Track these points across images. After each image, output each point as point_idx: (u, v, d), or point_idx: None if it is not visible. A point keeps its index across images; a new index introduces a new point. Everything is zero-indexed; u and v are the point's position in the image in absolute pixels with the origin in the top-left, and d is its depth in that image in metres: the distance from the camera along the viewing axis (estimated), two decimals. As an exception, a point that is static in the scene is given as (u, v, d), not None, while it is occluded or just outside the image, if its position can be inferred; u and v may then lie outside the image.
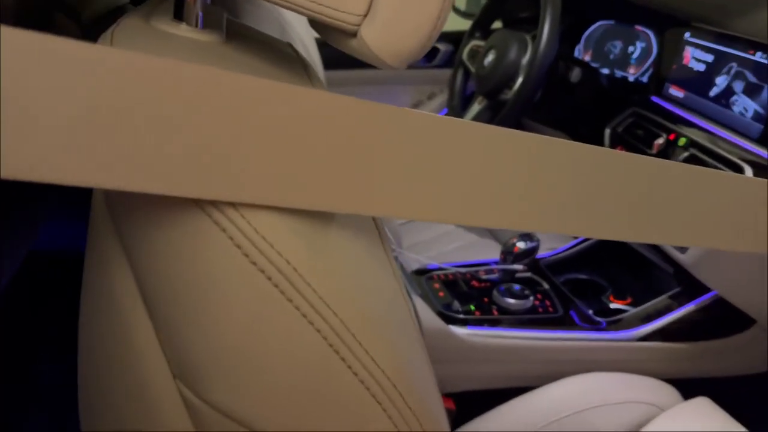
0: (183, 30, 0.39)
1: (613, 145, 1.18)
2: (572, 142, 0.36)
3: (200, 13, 0.39)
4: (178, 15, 0.40)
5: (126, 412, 0.36)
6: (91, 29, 0.66)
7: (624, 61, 1.26)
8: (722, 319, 1.00)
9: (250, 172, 0.27)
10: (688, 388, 0.86)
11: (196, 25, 0.40)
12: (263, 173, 0.28)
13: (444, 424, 0.35)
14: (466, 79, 1.51)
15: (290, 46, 0.53)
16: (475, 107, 1.37)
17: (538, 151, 0.34)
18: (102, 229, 0.36)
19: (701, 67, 1.04)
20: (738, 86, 0.97)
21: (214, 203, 0.29)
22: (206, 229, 0.29)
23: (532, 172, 0.34)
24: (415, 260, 1.17)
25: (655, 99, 1.14)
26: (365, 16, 0.35)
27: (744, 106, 0.95)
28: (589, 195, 0.36)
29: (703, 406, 0.89)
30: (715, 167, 0.94)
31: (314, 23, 0.40)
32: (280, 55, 0.46)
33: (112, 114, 0.25)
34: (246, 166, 0.27)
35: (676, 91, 1.10)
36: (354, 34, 0.36)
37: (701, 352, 1.01)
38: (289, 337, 0.29)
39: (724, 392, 0.92)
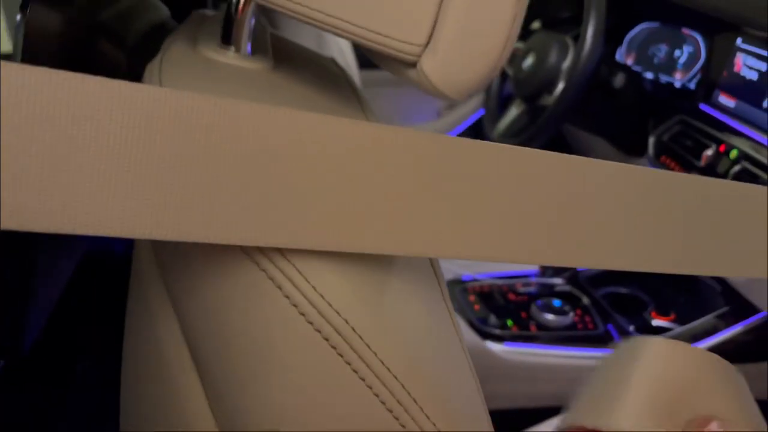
0: (231, 58, 0.37)
1: (657, 155, 1.14)
2: (633, 166, 0.33)
3: (248, 39, 0.37)
4: (226, 40, 0.37)
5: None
6: (135, 52, 0.64)
7: (669, 65, 1.22)
8: (773, 341, 0.96)
9: (305, 215, 0.25)
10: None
11: (245, 51, 0.37)
12: (319, 215, 0.25)
13: None
14: (504, 81, 1.48)
15: (334, 62, 0.51)
16: (513, 111, 1.34)
17: (598, 179, 0.31)
18: (147, 273, 0.34)
19: (754, 75, 1.00)
20: (795, 97, 0.92)
21: (268, 255, 0.27)
22: (260, 284, 0.27)
23: (594, 203, 0.31)
24: (448, 270, 1.14)
25: (703, 107, 1.10)
26: (426, 45, 0.33)
27: (801, 118, 0.90)
28: (654, 226, 0.33)
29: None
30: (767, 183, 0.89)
31: (369, 51, 0.38)
32: (328, 78, 0.44)
33: (159, 158, 0.23)
34: (300, 208, 0.25)
35: (726, 100, 1.05)
36: (413, 65, 0.34)
37: (750, 374, 0.97)
38: (345, 402, 0.27)
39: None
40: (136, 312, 0.37)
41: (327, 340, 0.27)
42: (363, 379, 0.27)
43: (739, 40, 1.04)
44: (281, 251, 0.27)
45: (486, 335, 0.97)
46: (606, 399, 0.32)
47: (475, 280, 1.11)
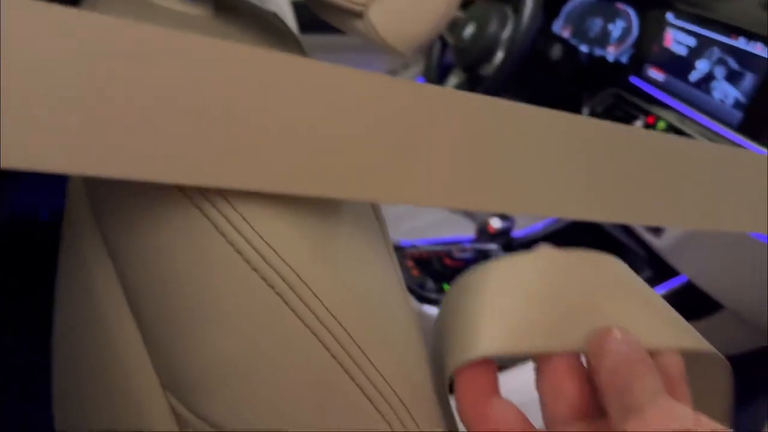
0: (171, 1, 0.35)
1: (590, 126, 1.17)
2: (565, 114, 0.32)
3: (189, -18, 0.36)
4: (165, -17, 0.36)
5: (110, 423, 0.33)
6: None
7: (604, 39, 1.25)
8: (691, 304, 1.02)
9: (248, 153, 0.24)
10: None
11: None
12: (262, 154, 0.24)
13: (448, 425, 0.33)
14: (444, 51, 1.48)
15: (276, 16, 0.50)
16: (453, 80, 1.34)
17: (534, 126, 0.31)
18: (80, 223, 0.33)
19: (683, 51, 1.04)
20: (719, 72, 0.96)
21: (211, 200, 0.26)
22: (202, 230, 0.26)
23: (533, 148, 0.31)
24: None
25: (634, 80, 1.13)
26: None
27: (724, 92, 0.95)
28: (591, 173, 0.33)
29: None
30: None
31: (314, 1, 0.37)
32: (272, 32, 0.43)
33: (89, 88, 0.21)
34: (243, 146, 0.24)
35: (656, 73, 1.09)
36: (360, 15, 0.33)
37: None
38: (290, 350, 0.27)
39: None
40: (69, 267, 0.35)
41: (273, 288, 0.26)
42: (309, 327, 0.27)
43: (669, 15, 1.07)
44: (224, 196, 0.26)
45: (423, 299, 0.98)
46: (461, 334, 0.29)
47: (413, 246, 1.12)
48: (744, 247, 0.88)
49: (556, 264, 0.30)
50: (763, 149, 0.86)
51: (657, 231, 0.99)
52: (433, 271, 1.07)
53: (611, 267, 0.31)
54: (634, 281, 0.32)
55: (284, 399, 0.28)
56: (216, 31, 0.36)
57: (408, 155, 0.27)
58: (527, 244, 1.19)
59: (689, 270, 0.98)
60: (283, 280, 0.26)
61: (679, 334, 0.30)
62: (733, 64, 0.94)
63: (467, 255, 1.11)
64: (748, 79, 0.91)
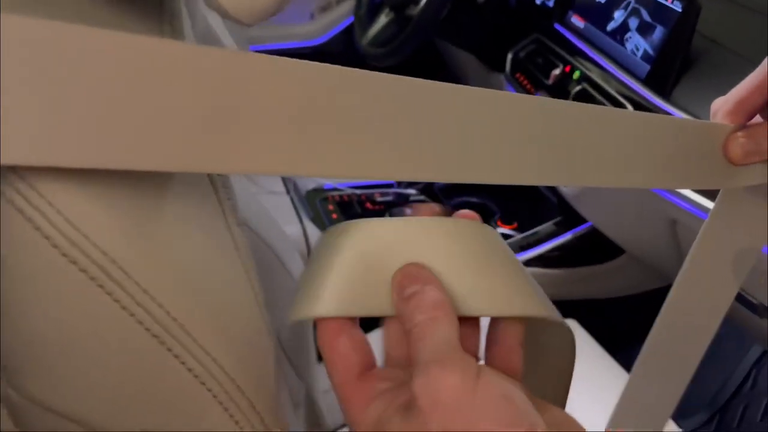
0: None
1: (513, 72, 1.18)
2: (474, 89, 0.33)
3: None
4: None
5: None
6: None
7: (532, -19, 1.24)
8: (595, 248, 1.07)
9: (46, 124, 0.24)
10: (560, 310, 0.93)
11: None
12: (64, 125, 0.24)
13: (286, 417, 0.36)
14: (375, -13, 1.45)
15: None
16: (382, 19, 1.32)
17: (436, 99, 0.31)
18: None
19: (602, -2, 1.04)
20: (633, 23, 0.98)
21: (13, 185, 0.25)
22: (8, 217, 0.26)
23: (430, 118, 0.32)
24: (312, 179, 1.16)
25: (557, 27, 1.14)
26: None
27: (636, 44, 0.96)
28: (496, 141, 0.34)
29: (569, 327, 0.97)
30: (602, 103, 0.96)
31: None
32: None
33: None
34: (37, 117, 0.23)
35: (577, 21, 1.10)
36: None
37: (574, 277, 1.08)
38: (110, 331, 0.28)
39: (591, 314, 1.00)
40: None
41: (85, 271, 0.27)
42: (125, 308, 0.28)
43: (593, -38, 1.07)
44: (28, 181, 0.26)
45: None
46: (310, 288, 0.31)
47: (335, 189, 1.14)
48: (641, 198, 0.93)
49: (415, 231, 0.32)
50: (665, 103, 0.88)
51: (566, 179, 1.03)
52: (354, 215, 1.09)
53: (475, 236, 0.33)
54: (497, 251, 0.33)
55: (111, 379, 0.29)
56: None
57: (235, 124, 0.27)
58: (445, 188, 1.21)
59: (592, 217, 1.03)
60: (94, 263, 0.27)
61: (527, 303, 0.32)
62: (646, 16, 0.95)
63: (388, 199, 1.13)
64: (658, 32, 0.93)
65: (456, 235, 0.32)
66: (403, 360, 0.32)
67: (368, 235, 0.32)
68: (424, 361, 0.27)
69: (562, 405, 0.37)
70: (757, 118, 0.43)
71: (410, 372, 0.28)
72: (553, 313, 0.33)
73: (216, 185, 0.35)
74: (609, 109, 0.38)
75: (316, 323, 0.31)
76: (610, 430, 0.60)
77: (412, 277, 0.30)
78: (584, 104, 0.37)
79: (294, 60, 0.29)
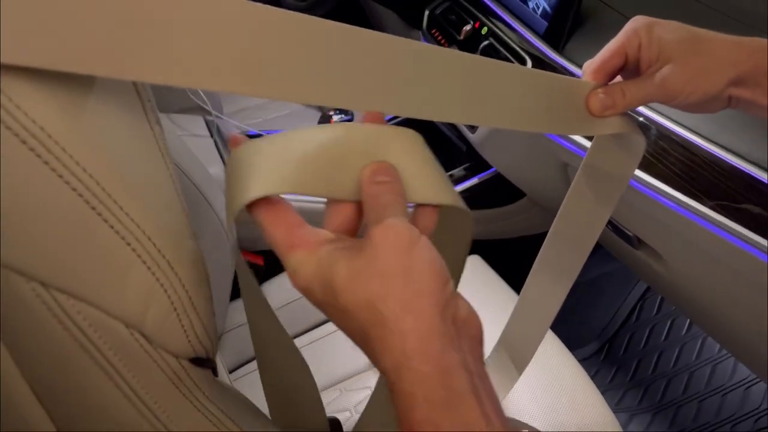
0: None
1: (429, 28, 1.25)
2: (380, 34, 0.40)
3: None
4: None
5: None
6: None
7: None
8: (499, 192, 1.17)
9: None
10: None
11: None
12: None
13: (209, 293, 0.42)
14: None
15: None
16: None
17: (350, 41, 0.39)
18: None
19: (511, -44, 1.12)
20: (534, -18, 1.06)
21: None
22: None
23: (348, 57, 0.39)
24: (236, 127, 1.20)
25: (470, -15, 1.21)
26: None
27: (536, 3, 1.05)
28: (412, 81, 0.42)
29: (474, 262, 1.07)
30: (506, 57, 1.05)
31: None
32: None
33: None
34: None
35: (487, -19, 1.17)
36: None
37: (480, 218, 1.18)
38: (47, 195, 0.33)
39: (496, 252, 1.10)
40: None
41: (25, 143, 0.32)
42: (61, 176, 0.33)
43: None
44: None
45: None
46: (240, 184, 0.36)
47: (259, 135, 1.19)
48: (537, 144, 1.03)
49: (347, 131, 0.38)
50: (559, 57, 0.98)
51: (473, 128, 1.12)
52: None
53: (402, 138, 0.39)
54: (420, 151, 0.40)
55: (51, 238, 0.35)
56: None
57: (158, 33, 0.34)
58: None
59: (496, 162, 1.13)
60: (33, 136, 0.32)
61: (440, 192, 0.39)
62: (546, -24, 1.03)
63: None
64: (555, -9, 1.01)
65: (400, 138, 0.39)
66: (343, 232, 0.38)
67: (302, 136, 0.37)
68: (385, 218, 0.35)
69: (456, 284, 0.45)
70: (620, 78, 0.51)
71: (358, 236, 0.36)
72: (464, 204, 0.41)
73: (137, 87, 0.41)
74: (498, 62, 0.45)
75: (250, 209, 0.36)
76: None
77: (384, 170, 0.37)
78: (476, 56, 0.45)
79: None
